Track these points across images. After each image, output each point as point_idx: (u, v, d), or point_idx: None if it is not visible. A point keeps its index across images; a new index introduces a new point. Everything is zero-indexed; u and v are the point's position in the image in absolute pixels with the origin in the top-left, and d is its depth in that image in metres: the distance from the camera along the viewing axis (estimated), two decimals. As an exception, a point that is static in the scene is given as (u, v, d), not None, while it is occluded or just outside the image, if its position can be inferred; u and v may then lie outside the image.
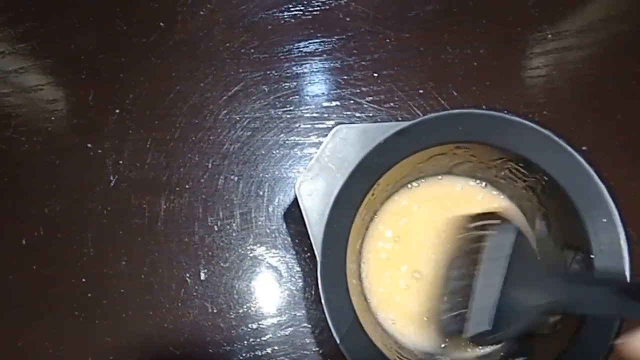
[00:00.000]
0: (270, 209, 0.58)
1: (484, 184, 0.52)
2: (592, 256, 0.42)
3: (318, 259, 0.44)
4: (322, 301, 0.43)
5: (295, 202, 0.58)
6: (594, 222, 0.43)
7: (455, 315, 0.46)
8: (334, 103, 0.60)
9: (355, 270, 0.50)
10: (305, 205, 0.46)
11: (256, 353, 0.55)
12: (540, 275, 0.42)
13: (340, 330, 0.43)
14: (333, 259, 0.44)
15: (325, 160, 0.46)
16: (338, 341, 0.43)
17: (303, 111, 0.60)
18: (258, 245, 0.57)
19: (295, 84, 0.60)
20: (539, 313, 0.42)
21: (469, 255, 0.47)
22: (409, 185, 0.52)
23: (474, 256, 0.46)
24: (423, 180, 0.52)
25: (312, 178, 0.46)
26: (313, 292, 0.56)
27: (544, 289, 0.41)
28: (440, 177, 0.52)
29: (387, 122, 0.49)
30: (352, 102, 0.59)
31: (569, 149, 0.44)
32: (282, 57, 0.61)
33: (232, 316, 0.56)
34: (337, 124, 0.58)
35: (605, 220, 0.43)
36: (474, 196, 0.52)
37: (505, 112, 0.45)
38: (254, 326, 0.56)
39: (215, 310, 0.56)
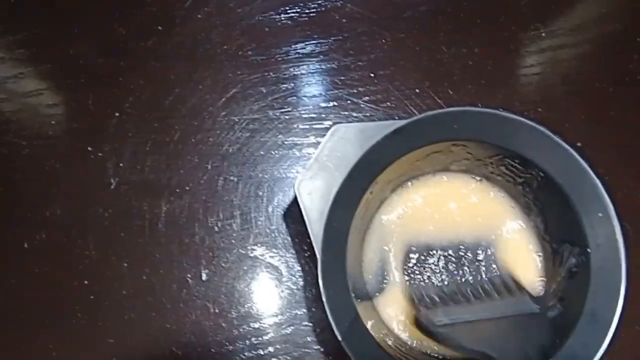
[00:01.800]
0: (270, 209, 0.58)
1: (480, 180, 0.52)
2: (588, 250, 0.43)
3: (318, 257, 0.44)
4: (323, 299, 0.44)
5: (294, 202, 0.58)
6: (590, 216, 0.43)
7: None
8: (331, 103, 0.60)
9: (357, 268, 0.51)
10: (305, 204, 0.46)
11: (258, 352, 0.56)
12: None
13: (342, 327, 0.43)
14: (333, 257, 0.44)
15: (324, 159, 0.46)
16: (340, 338, 0.43)
17: (301, 112, 0.60)
18: (258, 245, 0.58)
19: (292, 85, 0.61)
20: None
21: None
22: (408, 183, 0.53)
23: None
24: (421, 178, 0.53)
25: (311, 177, 0.46)
26: (314, 291, 0.56)
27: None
28: (437, 174, 0.53)
29: (385, 121, 0.49)
30: (349, 102, 0.60)
31: (564, 145, 0.44)
32: (280, 58, 0.61)
33: (234, 316, 0.57)
34: (334, 124, 0.58)
35: (601, 214, 0.43)
36: (470, 193, 0.53)
37: (501, 109, 0.46)
38: (256, 325, 0.56)
39: (216, 311, 0.57)
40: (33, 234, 0.59)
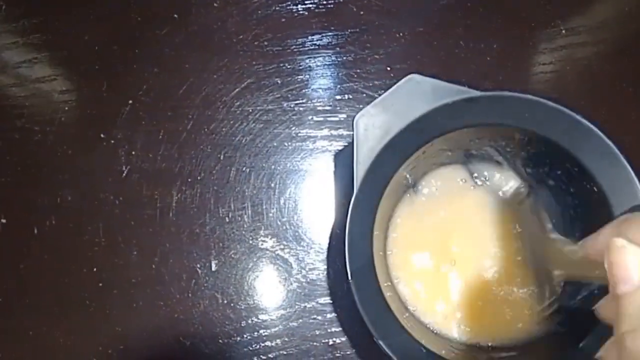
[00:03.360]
0: (282, 201, 0.58)
1: (509, 167, 0.51)
2: None
3: (355, 191, 0.44)
4: (346, 230, 0.43)
5: (306, 195, 0.58)
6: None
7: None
8: (346, 96, 0.60)
9: (382, 235, 0.50)
10: (359, 137, 0.46)
11: (266, 344, 0.55)
12: None
13: (354, 265, 0.43)
14: (367, 196, 0.44)
15: (390, 103, 0.46)
16: (349, 276, 0.43)
17: (315, 104, 0.60)
18: (269, 237, 0.57)
19: (307, 76, 0.60)
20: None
21: None
22: (455, 161, 0.52)
23: None
24: (470, 158, 0.52)
25: (373, 115, 0.46)
26: (323, 285, 0.56)
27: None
28: (485, 161, 0.52)
29: (460, 86, 0.47)
30: (364, 95, 0.59)
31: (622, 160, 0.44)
32: (295, 50, 0.61)
33: (242, 307, 0.56)
34: (348, 117, 0.58)
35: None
36: (501, 183, 0.52)
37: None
38: (264, 317, 0.56)
39: (225, 301, 0.56)
40: (43, 219, 0.59)
